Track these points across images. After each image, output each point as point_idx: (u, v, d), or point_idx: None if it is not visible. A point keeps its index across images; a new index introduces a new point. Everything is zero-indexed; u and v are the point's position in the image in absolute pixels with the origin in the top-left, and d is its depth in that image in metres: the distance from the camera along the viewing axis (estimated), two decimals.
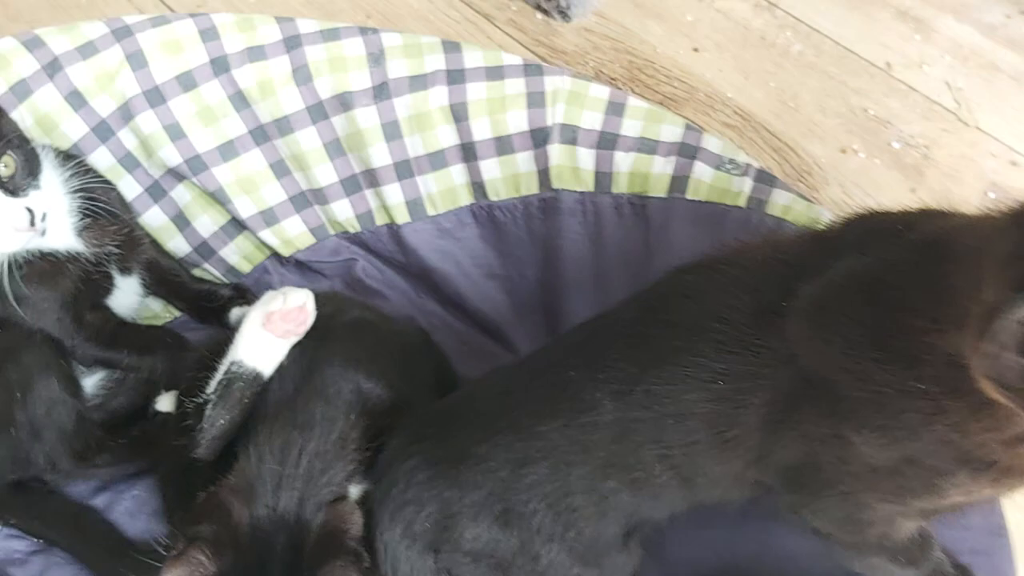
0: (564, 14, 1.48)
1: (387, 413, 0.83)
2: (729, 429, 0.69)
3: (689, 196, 0.95)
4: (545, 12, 1.50)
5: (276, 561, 0.79)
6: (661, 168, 0.96)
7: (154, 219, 1.07)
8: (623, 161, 0.98)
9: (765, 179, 0.94)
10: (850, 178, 1.30)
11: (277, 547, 0.79)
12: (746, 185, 0.94)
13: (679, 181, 0.96)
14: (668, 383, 0.70)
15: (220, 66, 1.03)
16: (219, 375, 0.83)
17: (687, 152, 0.96)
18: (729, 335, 0.67)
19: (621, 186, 0.99)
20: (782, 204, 0.92)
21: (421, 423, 0.83)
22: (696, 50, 1.45)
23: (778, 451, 0.69)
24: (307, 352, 0.84)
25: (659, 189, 0.97)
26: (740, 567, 0.86)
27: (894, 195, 1.28)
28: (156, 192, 1.06)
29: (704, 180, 0.95)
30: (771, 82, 1.40)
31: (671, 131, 0.98)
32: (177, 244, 1.09)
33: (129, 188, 1.05)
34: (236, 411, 0.83)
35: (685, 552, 0.87)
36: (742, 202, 0.93)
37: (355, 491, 0.81)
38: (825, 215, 0.92)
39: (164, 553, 0.79)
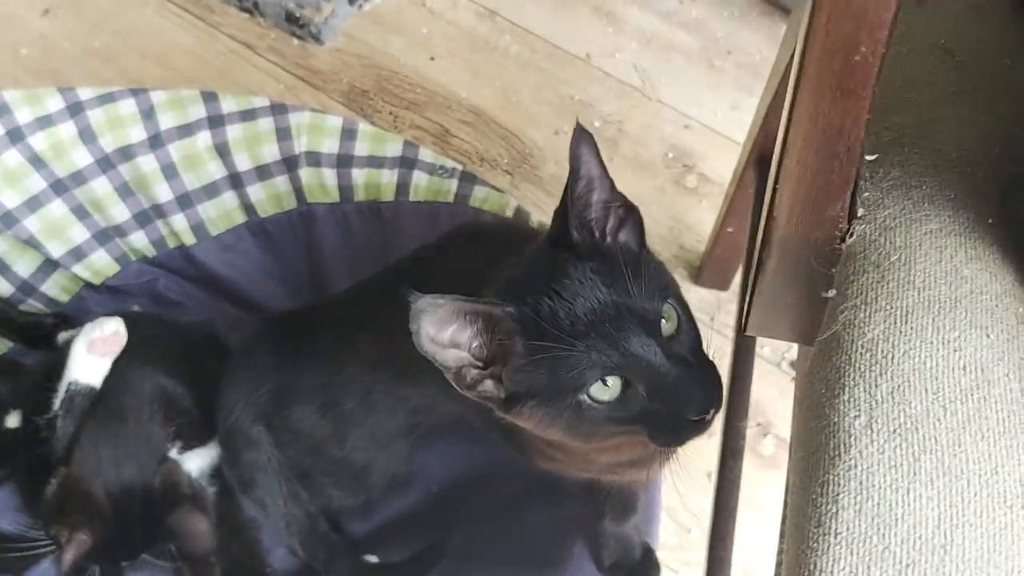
0: (316, 38, 1.72)
1: (181, 396, 1.11)
2: None
3: (411, 198, 1.23)
4: (300, 38, 1.73)
5: (136, 519, 1.05)
6: (388, 178, 1.24)
7: None
8: (359, 175, 1.25)
9: (467, 179, 1.23)
10: (563, 155, 1.55)
11: (134, 508, 1.05)
12: (453, 185, 1.22)
13: (403, 187, 1.23)
14: None
15: (15, 136, 1.24)
16: (61, 394, 1.06)
17: (407, 164, 1.24)
18: None
19: (360, 195, 1.25)
20: (480, 197, 1.21)
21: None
22: (432, 59, 1.72)
23: None
24: (115, 360, 1.09)
25: (388, 194, 1.24)
26: (471, 473, 1.16)
27: None
28: None
29: (421, 184, 1.23)
30: (496, 80, 1.69)
31: (393, 148, 1.25)
32: (1, 287, 1.28)
33: None
34: (80, 418, 1.07)
35: (442, 469, 1.17)
36: (451, 199, 1.22)
37: (174, 452, 1.08)
38: (512, 202, 1.22)
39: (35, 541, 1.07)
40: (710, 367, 0.70)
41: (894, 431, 0.49)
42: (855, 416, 0.51)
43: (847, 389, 0.52)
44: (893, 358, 0.52)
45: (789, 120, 0.53)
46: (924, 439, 0.48)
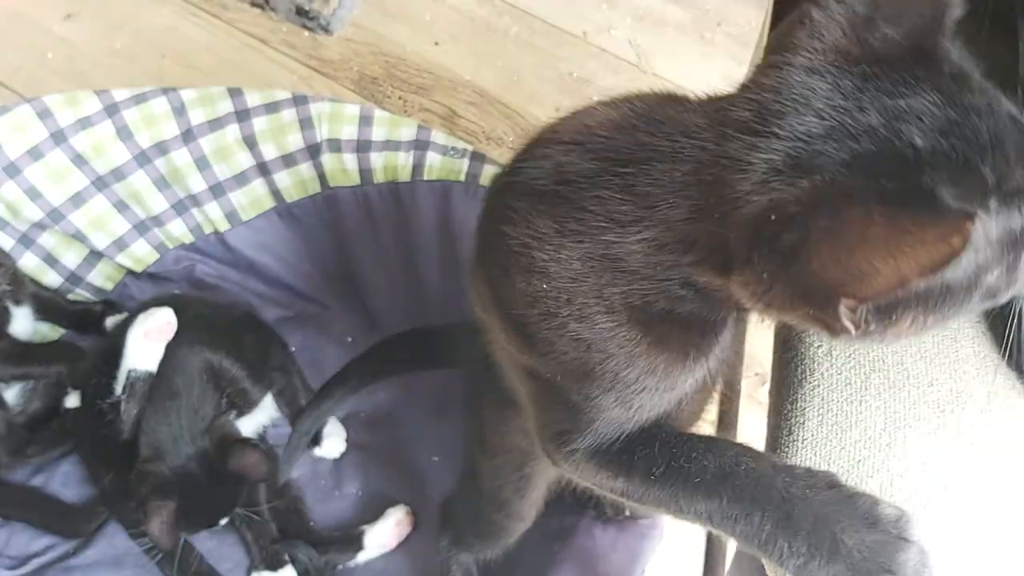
0: (326, 29, 1.81)
1: (228, 367, 1.22)
2: None
3: (426, 178, 1.32)
4: (310, 29, 1.82)
5: (202, 478, 1.16)
6: (404, 160, 1.33)
7: (29, 262, 1.37)
8: (377, 159, 1.34)
9: (477, 158, 1.32)
10: None
11: (196, 472, 1.16)
12: (464, 165, 1.32)
13: (418, 168, 1.33)
14: None
15: (58, 137, 1.33)
16: (122, 380, 1.17)
17: (421, 146, 1.33)
18: None
19: (379, 177, 1.35)
20: (489, 174, 1.31)
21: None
22: (437, 44, 1.81)
23: None
24: None
25: (405, 176, 1.34)
26: None
27: None
28: (26, 242, 1.36)
29: (435, 165, 1.32)
30: (498, 61, 1.78)
31: (408, 132, 1.34)
32: (51, 278, 1.39)
33: (3, 241, 1.35)
34: (142, 400, 1.18)
35: None
36: (463, 178, 1.31)
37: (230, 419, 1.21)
38: None
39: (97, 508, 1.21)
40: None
41: (849, 356, 0.59)
42: (818, 347, 0.61)
43: None
44: None
45: None
46: (873, 361, 0.59)
